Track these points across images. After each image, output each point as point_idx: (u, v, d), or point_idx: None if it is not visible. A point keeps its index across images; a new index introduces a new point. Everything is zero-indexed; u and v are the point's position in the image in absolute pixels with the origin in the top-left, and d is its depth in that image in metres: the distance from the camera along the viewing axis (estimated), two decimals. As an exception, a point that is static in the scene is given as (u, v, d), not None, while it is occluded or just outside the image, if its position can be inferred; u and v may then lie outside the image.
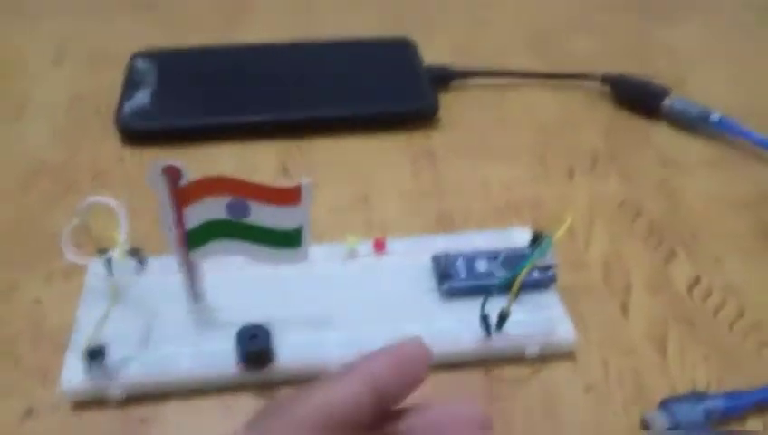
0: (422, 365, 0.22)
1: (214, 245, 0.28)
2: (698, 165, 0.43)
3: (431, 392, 0.30)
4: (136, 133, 0.42)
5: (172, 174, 0.25)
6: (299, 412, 0.20)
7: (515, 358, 0.31)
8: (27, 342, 0.31)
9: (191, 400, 0.29)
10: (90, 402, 0.28)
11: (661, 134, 0.45)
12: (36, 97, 0.46)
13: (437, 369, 0.30)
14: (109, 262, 0.30)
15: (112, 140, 0.43)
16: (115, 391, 0.28)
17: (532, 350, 0.30)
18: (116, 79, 0.46)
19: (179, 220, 0.27)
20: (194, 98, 0.45)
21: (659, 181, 0.41)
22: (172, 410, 0.28)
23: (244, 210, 0.27)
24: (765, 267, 0.36)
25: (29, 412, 0.28)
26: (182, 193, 0.26)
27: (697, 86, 0.48)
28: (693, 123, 0.45)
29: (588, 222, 0.38)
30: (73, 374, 0.28)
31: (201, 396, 0.29)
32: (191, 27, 0.54)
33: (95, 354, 0.27)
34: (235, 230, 0.27)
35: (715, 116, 0.44)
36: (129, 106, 0.43)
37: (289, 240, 0.28)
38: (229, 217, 0.27)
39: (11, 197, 0.38)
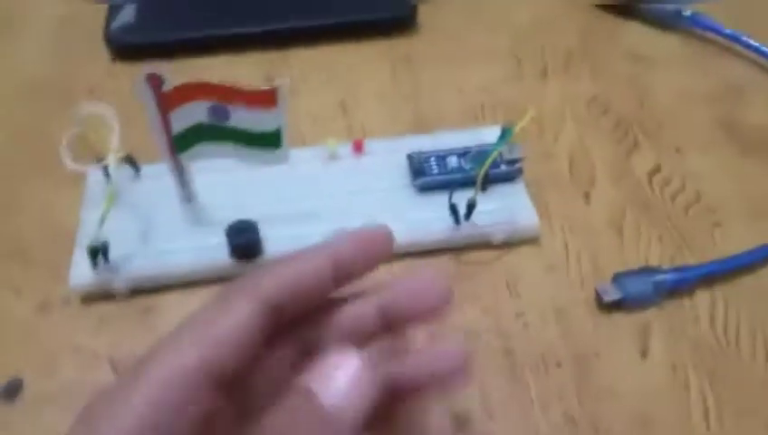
0: (383, 242, 0.24)
1: (199, 147, 0.30)
2: (669, 61, 0.44)
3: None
4: (125, 48, 0.44)
5: (155, 81, 0.27)
6: (264, 283, 0.20)
7: (482, 244, 0.33)
8: (39, 243, 0.34)
9: (189, 290, 0.32)
10: (98, 295, 0.31)
11: (634, 32, 0.46)
12: (27, 17, 0.47)
13: (411, 255, 0.33)
14: (106, 169, 0.32)
15: (103, 57, 0.44)
16: (120, 284, 0.31)
17: (497, 237, 0.33)
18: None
19: (166, 125, 0.29)
20: (179, 13, 0.46)
21: (629, 78, 0.43)
22: (173, 299, 0.32)
23: (225, 114, 0.29)
24: (725, 157, 0.38)
25: (42, 306, 0.32)
26: (166, 99, 0.28)
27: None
28: (666, 20, 0.46)
29: (558, 119, 0.40)
30: (81, 270, 0.31)
31: (198, 286, 0.32)
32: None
33: (98, 250, 0.30)
34: (218, 133, 0.30)
35: (686, 11, 0.45)
36: (116, 22, 0.45)
37: (269, 142, 0.30)
38: (211, 121, 0.29)
39: (10, 113, 0.41)
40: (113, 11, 0.45)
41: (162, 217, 0.33)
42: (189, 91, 0.28)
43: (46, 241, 0.34)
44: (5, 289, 0.32)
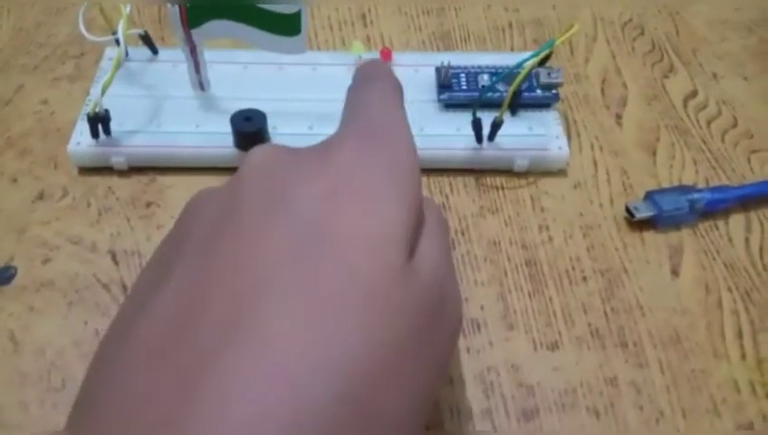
0: None
1: (214, 24, 0.28)
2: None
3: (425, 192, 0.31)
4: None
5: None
6: None
7: (505, 171, 0.31)
8: (37, 136, 0.32)
9: (191, 174, 0.30)
10: (98, 173, 0.30)
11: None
12: None
13: (432, 172, 0.31)
14: (117, 41, 0.30)
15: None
16: (119, 157, 0.29)
17: (521, 163, 0.31)
18: None
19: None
20: None
21: (665, 4, 0.41)
22: (173, 180, 0.30)
23: (243, -12, 0.27)
24: (763, 85, 0.36)
25: (40, 195, 0.30)
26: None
27: None
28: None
29: (590, 39, 0.38)
30: (82, 138, 0.30)
31: (200, 172, 0.30)
32: None
33: (98, 119, 0.28)
34: (234, 10, 0.28)
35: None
36: None
37: (288, 26, 0.28)
38: (228, -6, 0.27)
39: (13, 7, 0.38)
40: None
41: (172, 101, 0.31)
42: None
43: (45, 135, 0.32)
44: (1, 179, 0.30)
